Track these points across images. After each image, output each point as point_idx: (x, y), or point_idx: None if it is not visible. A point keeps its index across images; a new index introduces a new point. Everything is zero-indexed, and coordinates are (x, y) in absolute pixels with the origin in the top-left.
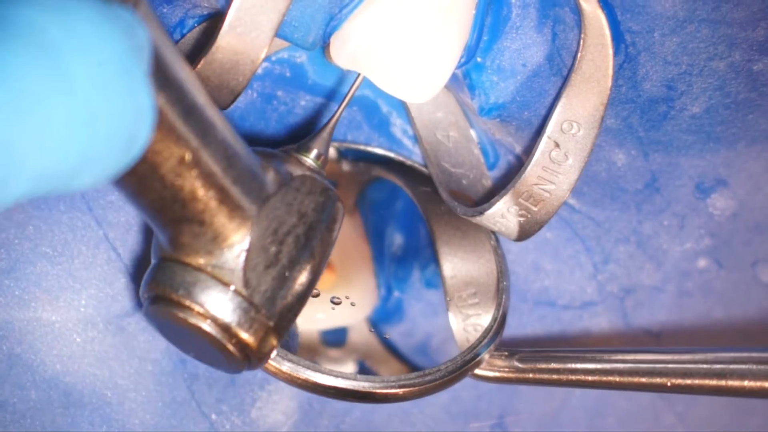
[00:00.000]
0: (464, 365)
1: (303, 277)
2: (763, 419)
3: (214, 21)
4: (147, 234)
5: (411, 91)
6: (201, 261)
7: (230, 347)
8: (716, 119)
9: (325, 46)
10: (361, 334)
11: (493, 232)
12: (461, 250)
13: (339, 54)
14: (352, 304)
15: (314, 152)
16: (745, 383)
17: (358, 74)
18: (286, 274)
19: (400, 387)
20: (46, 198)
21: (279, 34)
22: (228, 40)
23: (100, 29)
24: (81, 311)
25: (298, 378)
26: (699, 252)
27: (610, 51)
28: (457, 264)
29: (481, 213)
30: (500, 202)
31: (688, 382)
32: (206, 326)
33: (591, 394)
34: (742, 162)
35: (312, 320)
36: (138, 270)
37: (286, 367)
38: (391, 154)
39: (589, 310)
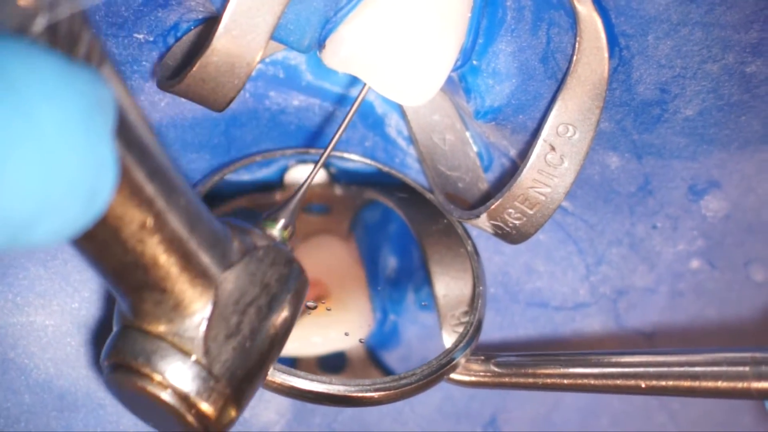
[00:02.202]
0: (439, 369)
1: (264, 349)
2: (755, 418)
3: (209, 24)
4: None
5: (407, 95)
6: (162, 329)
7: (189, 417)
8: (709, 121)
9: (320, 49)
10: (356, 352)
11: (470, 237)
12: (452, 269)
13: (334, 57)
14: (328, 309)
15: (281, 223)
16: (719, 384)
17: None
18: (247, 345)
19: (375, 390)
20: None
21: (274, 36)
22: (223, 42)
23: (66, 79)
24: (74, 314)
25: (274, 382)
26: (692, 253)
27: (606, 54)
28: (449, 283)
29: (477, 216)
30: (496, 205)
31: (663, 383)
32: (165, 395)
33: (584, 394)
34: (735, 163)
35: (307, 343)
36: None
37: None
38: (381, 166)
39: (582, 312)
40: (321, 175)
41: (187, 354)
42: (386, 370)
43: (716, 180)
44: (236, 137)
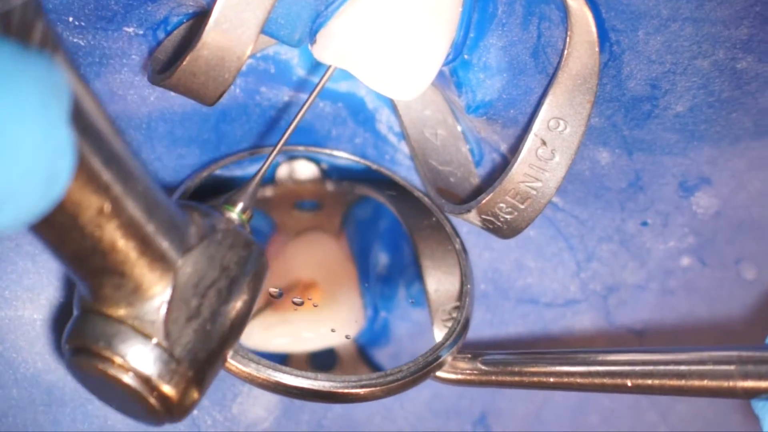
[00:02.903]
0: (426, 366)
1: (225, 331)
2: (745, 416)
3: (199, 18)
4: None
5: (397, 89)
6: (122, 312)
7: (151, 400)
8: (700, 118)
9: (311, 44)
10: (343, 348)
11: (458, 235)
12: (444, 264)
13: (325, 51)
14: (315, 306)
15: (240, 206)
16: (705, 383)
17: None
18: (208, 327)
19: (362, 387)
20: None
21: (265, 31)
22: (213, 36)
23: (20, 67)
24: (63, 309)
25: (259, 377)
26: (682, 250)
27: (596, 49)
28: (441, 277)
29: (468, 210)
30: (487, 200)
31: (649, 382)
32: (127, 378)
33: (574, 392)
34: (726, 160)
35: (294, 340)
36: None
37: (247, 367)
38: (371, 164)
39: (572, 308)
40: (312, 172)
41: (147, 337)
42: (375, 367)
43: (707, 176)
44: (226, 132)
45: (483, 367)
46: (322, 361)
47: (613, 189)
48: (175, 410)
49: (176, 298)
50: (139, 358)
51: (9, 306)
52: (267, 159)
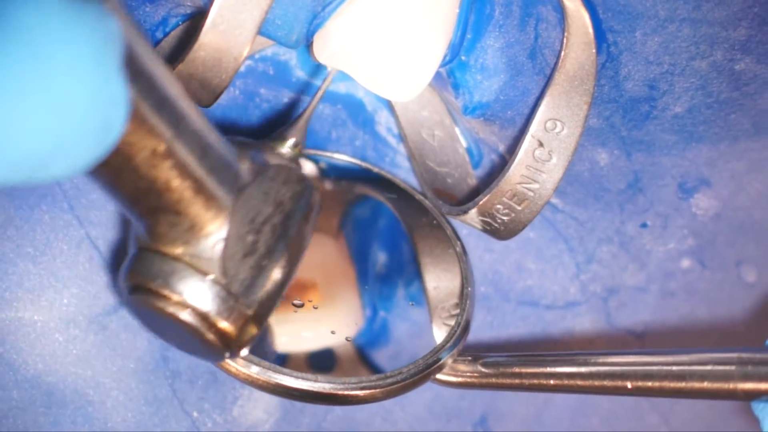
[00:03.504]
0: (426, 368)
1: (281, 266)
2: (747, 420)
3: (197, 19)
4: (127, 232)
5: (395, 90)
6: (179, 250)
7: (210, 336)
8: (698, 119)
9: (309, 45)
10: (343, 350)
11: (458, 238)
12: (443, 261)
13: (322, 52)
14: (315, 308)
15: (291, 141)
16: (705, 385)
17: (325, 79)
18: (264, 262)
19: (362, 389)
20: (27, 197)
21: (262, 32)
22: (210, 37)
23: (72, 17)
24: (63, 310)
25: (259, 379)
26: (682, 252)
27: (594, 49)
28: (440, 275)
29: (465, 212)
30: (484, 201)
31: (649, 384)
32: (185, 315)
33: (574, 395)
34: (725, 162)
35: (294, 342)
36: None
37: (246, 368)
38: (371, 167)
39: (573, 310)
40: (310, 170)
41: (204, 274)
42: (374, 368)
43: (706, 178)
44: (227, 134)
45: (483, 370)
46: (322, 362)
47: (613, 190)
48: (233, 346)
49: (232, 235)
50: (196, 295)
51: (10, 307)
52: (316, 94)
